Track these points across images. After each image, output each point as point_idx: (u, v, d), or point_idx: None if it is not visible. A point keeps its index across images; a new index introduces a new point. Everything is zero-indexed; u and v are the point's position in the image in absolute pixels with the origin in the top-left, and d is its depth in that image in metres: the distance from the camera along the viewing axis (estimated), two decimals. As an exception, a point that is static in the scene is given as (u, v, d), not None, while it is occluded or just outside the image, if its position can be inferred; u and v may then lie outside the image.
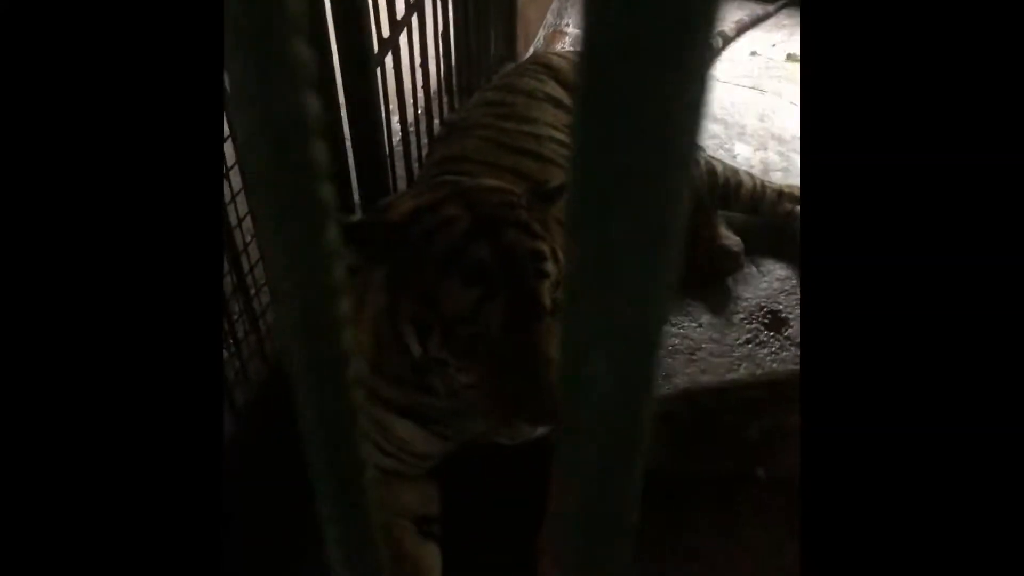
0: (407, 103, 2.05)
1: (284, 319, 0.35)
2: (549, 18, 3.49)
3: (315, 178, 0.31)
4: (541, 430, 1.42)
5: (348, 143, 1.78)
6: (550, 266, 1.21)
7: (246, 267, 1.55)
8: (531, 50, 3.09)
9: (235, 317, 1.57)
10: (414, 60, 2.08)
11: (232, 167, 1.43)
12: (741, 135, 2.77)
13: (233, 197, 1.43)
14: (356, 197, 1.86)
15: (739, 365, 2.02)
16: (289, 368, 0.38)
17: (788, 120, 2.86)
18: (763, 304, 2.18)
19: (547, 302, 1.19)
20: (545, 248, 1.22)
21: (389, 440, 1.51)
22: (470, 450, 1.54)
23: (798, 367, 1.97)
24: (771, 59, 3.29)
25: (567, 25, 3.49)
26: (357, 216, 1.56)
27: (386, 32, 1.82)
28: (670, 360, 2.00)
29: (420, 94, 2.20)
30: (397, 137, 2.16)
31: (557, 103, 2.09)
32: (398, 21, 1.90)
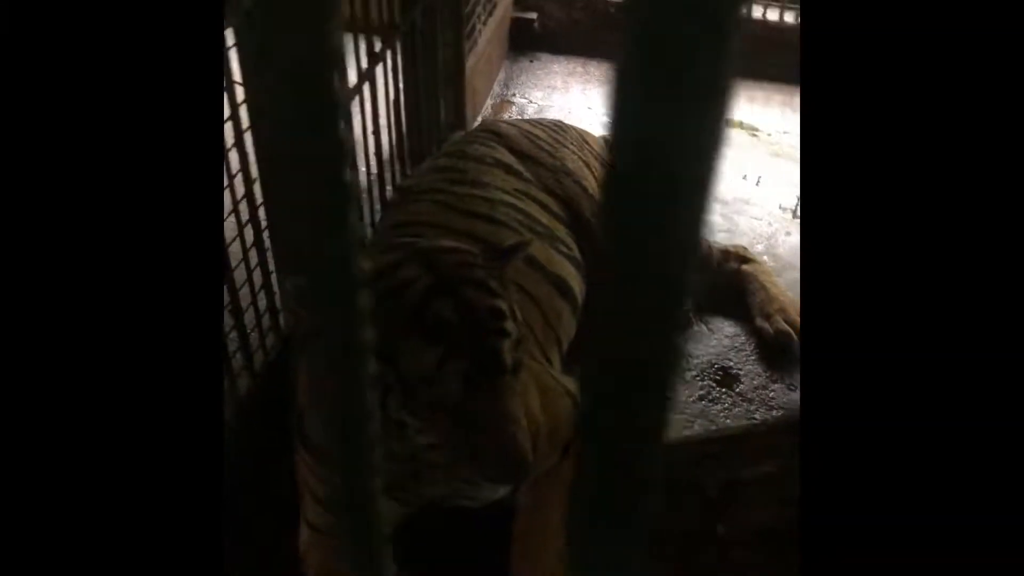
0: (360, 170, 2.08)
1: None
2: (496, 88, 3.58)
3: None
4: (503, 490, 1.42)
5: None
6: (510, 324, 1.22)
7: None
8: (479, 119, 3.16)
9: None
10: (366, 127, 2.11)
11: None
12: (685, 198, 2.85)
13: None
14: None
15: (693, 422, 2.04)
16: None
17: (729, 183, 2.95)
18: (714, 361, 2.21)
19: (509, 361, 1.20)
20: (504, 306, 1.24)
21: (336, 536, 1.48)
22: (428, 514, 1.52)
23: (751, 421, 2.00)
24: (711, 126, 3.41)
25: (514, 95, 3.58)
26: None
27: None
28: (625, 419, 2.01)
29: (373, 160, 2.23)
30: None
31: (507, 168, 2.14)
32: (350, 89, 1.93)
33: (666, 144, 0.28)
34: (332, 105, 0.32)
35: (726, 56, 0.27)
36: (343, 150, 0.32)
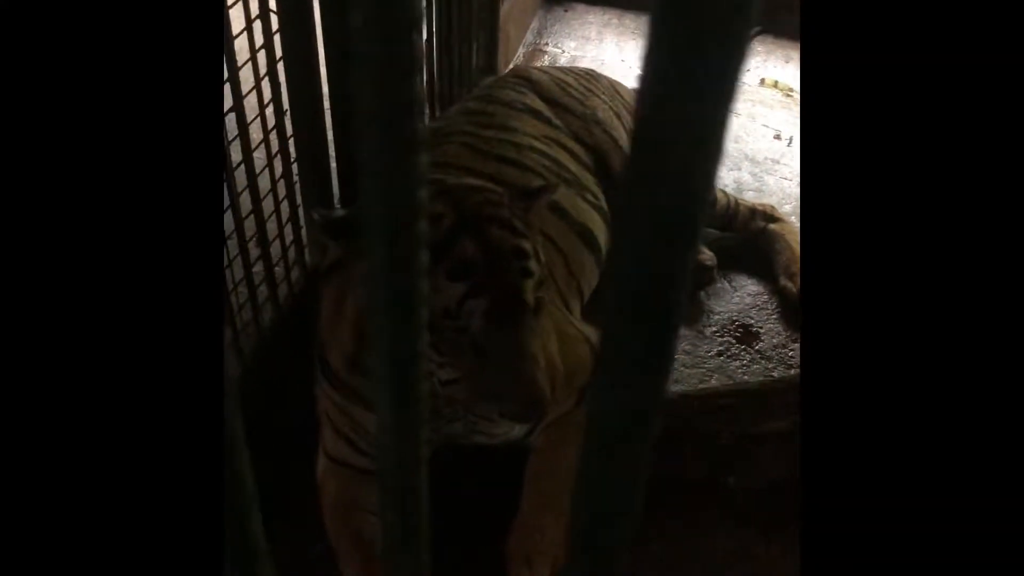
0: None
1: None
2: (529, 37, 3.54)
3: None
4: (520, 429, 1.43)
5: (331, 142, 1.79)
6: (533, 264, 1.23)
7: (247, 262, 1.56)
8: (511, 66, 3.13)
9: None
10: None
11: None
12: (715, 155, 2.82)
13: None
14: (337, 196, 1.87)
15: (711, 376, 2.04)
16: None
17: (761, 142, 2.92)
18: (735, 318, 2.21)
19: (530, 300, 1.21)
20: (528, 246, 1.24)
21: (365, 439, 1.51)
22: (444, 452, 1.54)
23: (769, 378, 2.01)
24: (745, 84, 3.36)
25: (546, 44, 3.54)
26: (340, 210, 1.57)
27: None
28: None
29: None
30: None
31: (537, 114, 2.12)
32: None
33: (684, 91, 0.31)
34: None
35: (747, 13, 0.29)
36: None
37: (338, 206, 1.85)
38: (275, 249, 1.75)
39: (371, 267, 0.40)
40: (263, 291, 1.74)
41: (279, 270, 1.79)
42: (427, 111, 2.42)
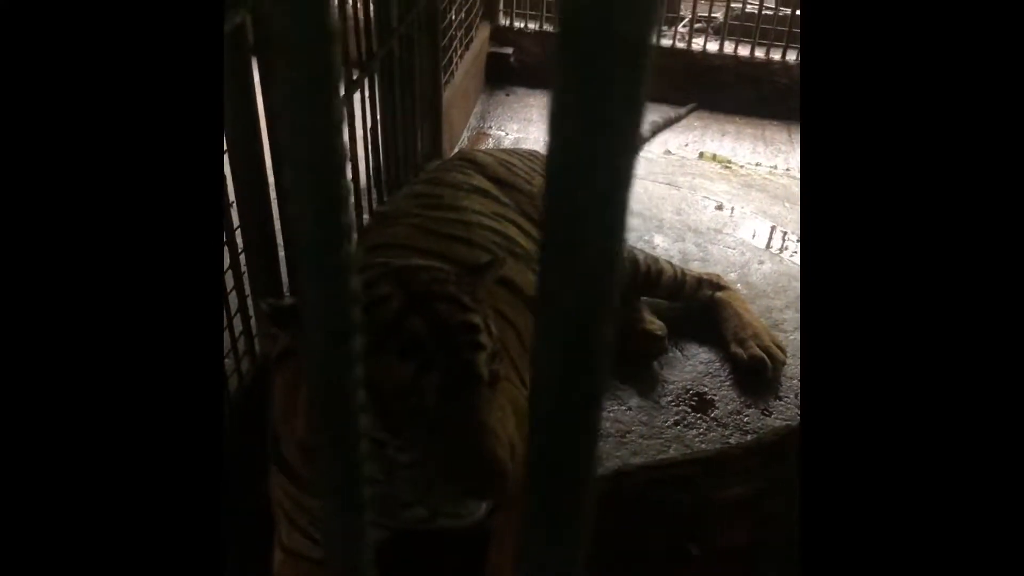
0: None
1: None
2: (472, 121, 3.62)
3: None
4: (483, 508, 1.41)
5: (278, 231, 1.80)
6: (484, 337, 1.23)
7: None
8: (456, 150, 3.19)
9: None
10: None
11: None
12: (659, 227, 2.89)
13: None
14: (286, 285, 1.86)
15: (669, 447, 2.05)
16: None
17: (703, 213, 3.00)
18: (689, 387, 2.23)
19: (484, 372, 1.21)
20: (478, 320, 1.24)
21: (319, 529, 1.47)
22: (404, 537, 1.51)
23: (727, 445, 2.01)
24: (684, 157, 3.47)
25: (490, 127, 3.62)
26: (288, 299, 1.57)
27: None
28: (601, 444, 2.01)
29: (350, 187, 2.24)
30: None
31: (484, 193, 2.16)
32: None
33: (587, 158, 0.33)
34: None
35: (639, 84, 0.31)
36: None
37: (287, 295, 1.84)
38: (224, 340, 1.73)
39: (307, 354, 0.41)
40: (213, 383, 1.72)
41: (229, 362, 1.76)
42: (376, 196, 2.45)
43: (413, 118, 2.63)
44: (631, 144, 0.33)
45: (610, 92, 0.32)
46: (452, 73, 3.17)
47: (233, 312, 1.74)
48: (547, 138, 0.33)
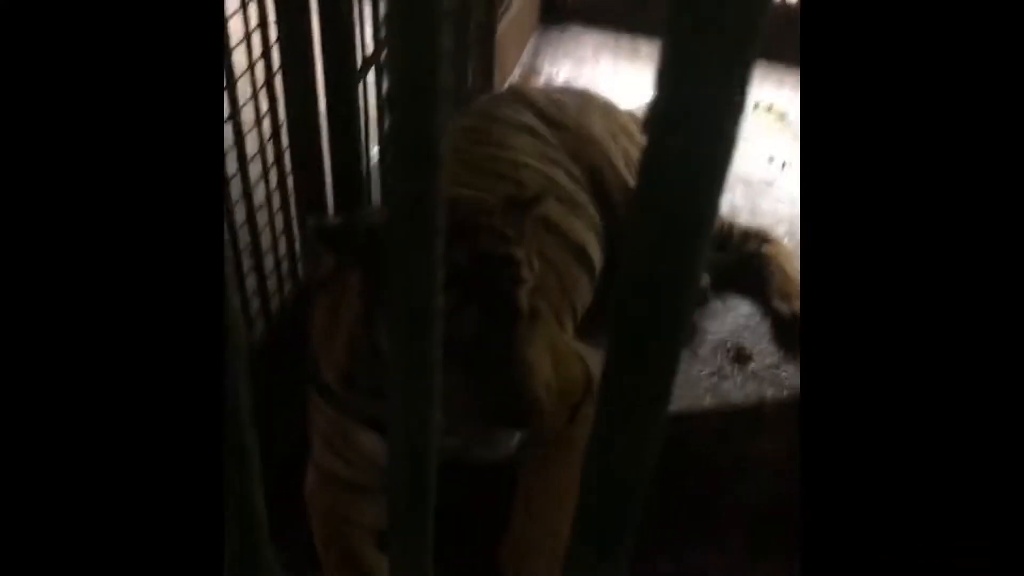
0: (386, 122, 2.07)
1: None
2: (525, 57, 3.56)
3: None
4: (516, 440, 1.42)
5: (327, 157, 1.79)
6: (525, 271, 1.22)
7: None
8: (507, 85, 3.14)
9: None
10: (394, 82, 2.09)
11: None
12: (709, 177, 2.83)
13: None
14: (331, 209, 1.86)
15: (704, 396, 2.04)
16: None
17: (755, 165, 2.93)
18: (728, 339, 2.21)
19: (524, 306, 1.20)
20: (520, 254, 1.23)
21: (355, 452, 1.49)
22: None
23: (762, 399, 2.00)
24: (739, 107, 3.38)
25: (543, 64, 3.56)
26: (334, 219, 1.57)
27: (369, 50, 1.84)
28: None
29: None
30: (375, 155, 2.17)
31: (532, 132, 2.13)
32: (381, 40, 1.92)
33: (693, 112, 0.32)
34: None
35: (753, 38, 0.30)
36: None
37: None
38: (268, 261, 1.74)
39: (392, 283, 0.41)
40: (255, 304, 1.73)
41: (272, 283, 1.78)
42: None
43: (466, 49, 2.58)
44: (739, 103, 0.31)
45: (724, 49, 0.30)
46: (508, 4, 3.11)
47: (279, 233, 1.74)
48: (654, 90, 0.32)
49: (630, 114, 2.44)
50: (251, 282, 1.70)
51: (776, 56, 3.57)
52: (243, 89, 1.45)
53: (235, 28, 1.39)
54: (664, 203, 0.34)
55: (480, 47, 2.73)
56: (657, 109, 0.32)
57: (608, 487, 0.42)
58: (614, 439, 0.42)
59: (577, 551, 0.44)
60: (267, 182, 1.65)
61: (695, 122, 0.32)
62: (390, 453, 0.47)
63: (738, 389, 2.06)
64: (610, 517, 0.43)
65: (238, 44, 1.41)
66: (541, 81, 3.41)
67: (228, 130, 1.44)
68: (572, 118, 2.23)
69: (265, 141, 1.59)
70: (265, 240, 1.70)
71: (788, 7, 3.65)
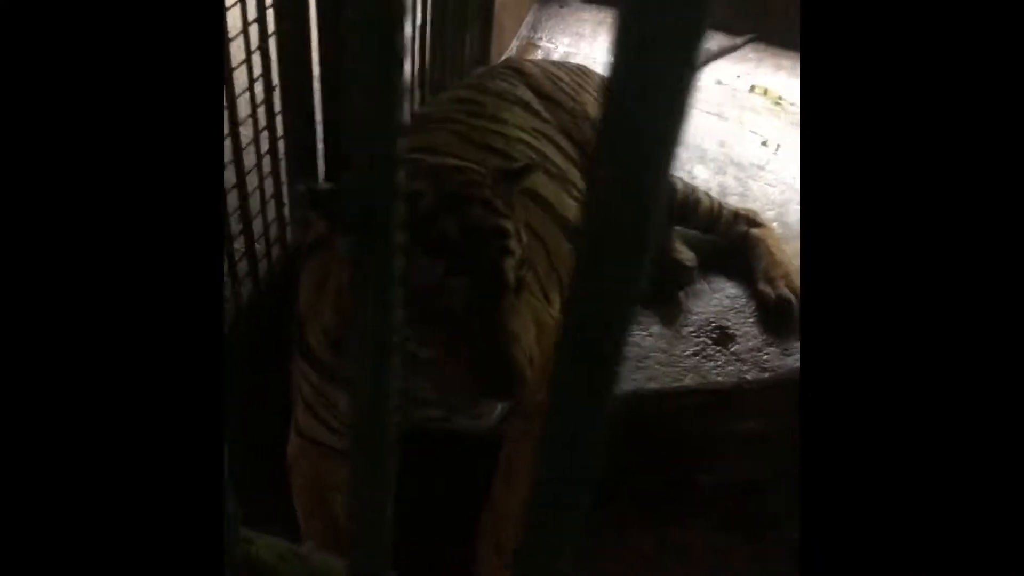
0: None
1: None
2: (523, 30, 3.54)
3: None
4: (498, 411, 1.43)
5: (319, 124, 1.79)
6: (514, 244, 1.23)
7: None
8: (504, 58, 3.13)
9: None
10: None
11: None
12: (701, 159, 2.84)
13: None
14: (322, 175, 1.86)
15: (685, 376, 2.06)
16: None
17: (747, 147, 2.94)
18: (712, 320, 2.23)
19: (511, 278, 1.21)
20: (509, 226, 1.24)
21: (337, 417, 1.50)
22: (415, 436, 1.54)
23: (743, 380, 2.02)
24: (735, 89, 3.38)
25: (540, 39, 3.54)
26: (325, 184, 1.57)
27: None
28: (619, 366, 2.03)
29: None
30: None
31: (527, 107, 2.12)
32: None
33: (642, 87, 0.34)
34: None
35: (701, 17, 0.31)
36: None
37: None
38: (257, 225, 1.74)
39: (348, 246, 0.42)
40: (243, 267, 1.74)
41: (260, 247, 1.78)
42: (417, 97, 2.42)
43: (463, 20, 2.57)
44: (691, 64, 0.33)
45: (673, 12, 0.31)
46: (507, -22, 3.09)
47: (268, 197, 1.74)
48: (608, 55, 0.34)
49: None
50: (239, 246, 1.70)
51: (773, 40, 3.57)
52: (235, 53, 1.44)
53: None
54: (617, 171, 0.35)
55: (478, 18, 2.71)
56: (611, 78, 0.33)
57: (559, 468, 0.43)
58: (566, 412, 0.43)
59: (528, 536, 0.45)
60: (257, 146, 1.64)
61: (648, 92, 0.33)
62: (353, 410, 0.48)
63: (719, 370, 2.09)
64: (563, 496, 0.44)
65: (232, 5, 1.40)
66: (539, 55, 3.40)
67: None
68: (567, 95, 2.23)
69: (256, 105, 1.58)
70: (254, 204, 1.69)
71: (788, -10, 3.63)
